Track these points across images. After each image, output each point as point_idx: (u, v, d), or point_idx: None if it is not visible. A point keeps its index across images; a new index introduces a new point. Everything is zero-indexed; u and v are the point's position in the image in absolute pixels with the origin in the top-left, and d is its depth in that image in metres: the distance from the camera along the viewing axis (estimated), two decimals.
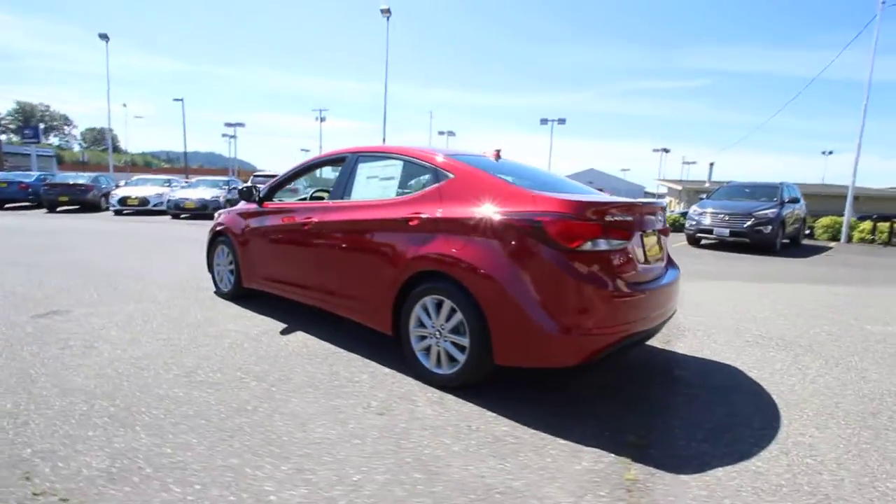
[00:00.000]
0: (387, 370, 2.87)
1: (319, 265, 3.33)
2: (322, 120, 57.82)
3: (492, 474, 1.86)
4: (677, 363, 3.24)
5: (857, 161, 14.06)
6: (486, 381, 2.60)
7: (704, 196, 12.45)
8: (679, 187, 25.19)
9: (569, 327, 2.24)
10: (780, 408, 2.56)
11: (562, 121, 30.99)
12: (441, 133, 39.76)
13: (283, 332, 3.51)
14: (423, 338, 2.73)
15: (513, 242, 2.35)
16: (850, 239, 13.88)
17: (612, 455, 2.03)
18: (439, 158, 2.86)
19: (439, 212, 2.64)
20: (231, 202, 15.75)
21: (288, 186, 4.42)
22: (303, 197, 4.60)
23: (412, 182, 3.01)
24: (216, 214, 4.86)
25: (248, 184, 4.15)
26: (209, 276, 4.81)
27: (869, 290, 6.46)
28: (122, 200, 15.13)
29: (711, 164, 29.63)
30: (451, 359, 2.60)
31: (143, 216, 14.77)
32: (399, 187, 3.03)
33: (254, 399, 2.42)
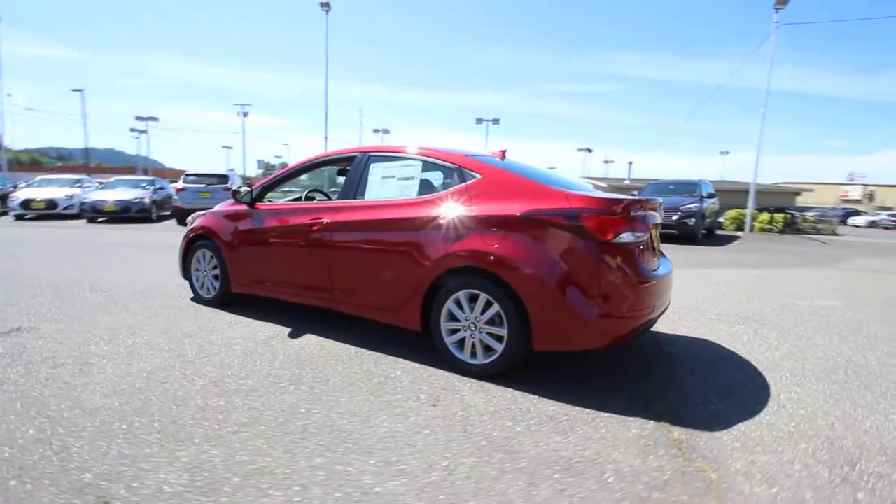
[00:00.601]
0: (417, 365, 2.94)
1: (333, 266, 3.30)
2: (245, 115, 54.71)
3: (562, 448, 2.04)
4: (664, 341, 3.63)
5: (758, 161, 16.11)
6: (512, 369, 2.77)
7: (636, 193, 13.58)
8: (604, 184, 27.14)
9: (605, 312, 2.48)
10: (762, 371, 3.01)
11: (496, 121, 32.09)
12: (376, 130, 39.27)
13: (292, 336, 3.43)
14: (454, 331, 2.84)
15: (551, 237, 2.54)
16: (752, 228, 15.88)
17: (653, 421, 2.30)
18: (463, 159, 2.98)
19: (472, 210, 2.76)
20: (157, 203, 14.52)
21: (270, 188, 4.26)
22: (295, 198, 4.46)
23: (435, 182, 3.10)
24: (190, 218, 4.56)
25: (242, 185, 3.96)
26: (173, 283, 4.56)
27: (783, 272, 7.53)
28: (26, 203, 13.34)
29: (630, 163, 32.49)
30: (486, 349, 2.74)
31: (52, 220, 13.14)
32: (420, 187, 3.10)
33: (301, 402, 2.40)
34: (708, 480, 1.84)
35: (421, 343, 3.25)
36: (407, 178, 3.15)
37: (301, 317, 3.84)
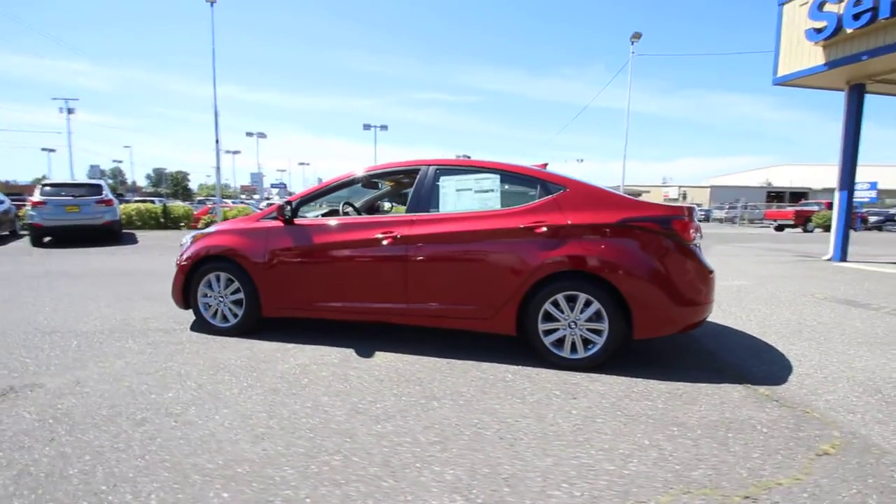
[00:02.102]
0: (516, 367, 3.11)
1: (412, 280, 3.27)
2: (70, 112, 45.79)
3: (706, 413, 2.46)
4: None
5: (624, 168, 19.07)
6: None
7: None
8: None
9: (690, 301, 2.99)
10: (758, 337, 3.86)
11: (384, 127, 32.09)
12: (250, 134, 36.01)
13: (364, 355, 3.30)
14: (550, 331, 3.10)
15: (645, 241, 2.96)
16: None
17: (738, 385, 2.86)
18: (543, 172, 3.25)
19: (567, 219, 3.05)
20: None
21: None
22: (325, 213, 4.14)
23: (518, 194, 3.29)
24: (185, 239, 3.98)
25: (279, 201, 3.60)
26: (139, 315, 4.24)
27: None
28: None
29: None
30: (585, 344, 3.05)
31: None
32: (503, 199, 3.27)
33: (464, 414, 2.43)
34: (816, 418, 2.44)
35: (498, 346, 3.44)
36: (486, 191, 3.30)
37: (345, 334, 3.68)
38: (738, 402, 2.62)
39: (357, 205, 4.53)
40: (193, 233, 4.00)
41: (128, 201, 20.05)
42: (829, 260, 8.65)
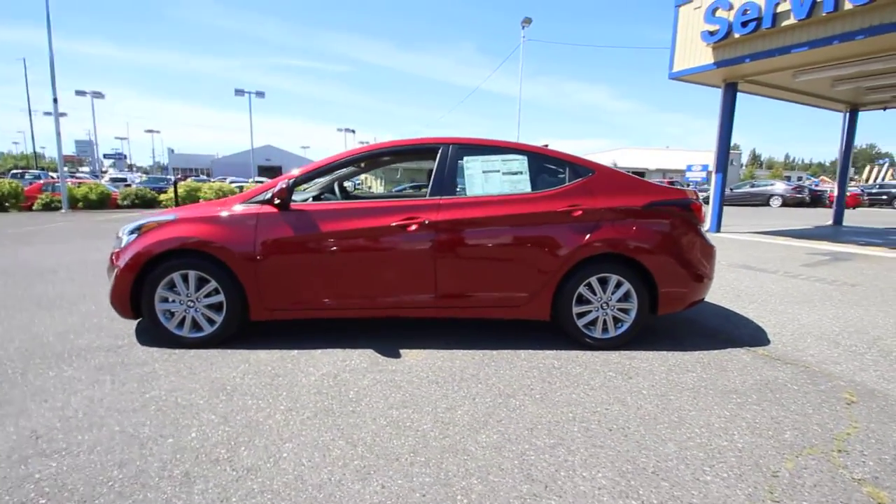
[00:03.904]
0: (553, 352, 3.10)
1: (441, 269, 2.99)
2: None
3: (743, 378, 2.74)
4: None
5: None
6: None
7: None
8: None
9: (706, 275, 3.26)
10: (720, 304, 4.42)
11: (260, 94, 28.65)
12: (81, 93, 29.35)
13: (389, 356, 2.98)
14: (583, 314, 3.14)
15: (669, 223, 3.12)
16: None
17: (740, 348, 3.24)
18: (570, 155, 3.20)
19: (599, 203, 3.06)
20: None
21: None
22: (315, 195, 3.48)
23: (547, 177, 3.18)
24: (124, 231, 3.09)
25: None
26: (53, 328, 3.20)
27: None
28: None
29: None
30: (616, 323, 3.16)
31: None
32: (533, 182, 3.14)
33: (553, 409, 2.34)
34: (818, 372, 2.88)
35: (512, 332, 3.39)
36: (515, 173, 3.14)
37: (346, 334, 3.30)
38: (753, 364, 2.97)
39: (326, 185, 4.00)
40: (138, 221, 3.13)
41: None
42: (707, 231, 10.34)
